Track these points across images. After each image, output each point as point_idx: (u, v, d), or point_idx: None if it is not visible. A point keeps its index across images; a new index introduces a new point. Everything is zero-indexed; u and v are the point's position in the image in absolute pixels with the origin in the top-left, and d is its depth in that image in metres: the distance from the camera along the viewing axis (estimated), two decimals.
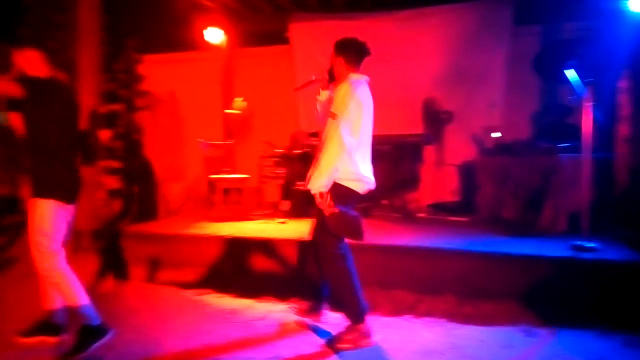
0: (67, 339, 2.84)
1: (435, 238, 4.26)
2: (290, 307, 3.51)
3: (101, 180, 5.53)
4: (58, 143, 2.75)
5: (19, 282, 4.15)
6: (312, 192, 2.77)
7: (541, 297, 3.47)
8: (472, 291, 3.60)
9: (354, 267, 2.89)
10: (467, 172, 5.95)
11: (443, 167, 6.46)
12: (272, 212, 5.88)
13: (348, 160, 2.76)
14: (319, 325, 3.21)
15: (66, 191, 2.77)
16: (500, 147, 5.28)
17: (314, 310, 3.32)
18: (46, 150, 2.72)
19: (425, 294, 3.63)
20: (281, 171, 6.54)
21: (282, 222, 5.20)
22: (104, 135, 5.90)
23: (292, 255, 4.16)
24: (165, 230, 4.78)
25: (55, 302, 2.86)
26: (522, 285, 3.55)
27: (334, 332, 3.00)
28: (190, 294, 3.90)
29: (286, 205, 5.85)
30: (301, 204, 5.78)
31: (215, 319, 3.35)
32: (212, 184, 5.76)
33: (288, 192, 5.93)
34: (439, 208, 6.06)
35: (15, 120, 2.70)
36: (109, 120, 6.09)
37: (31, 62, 2.75)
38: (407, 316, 3.39)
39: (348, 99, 2.74)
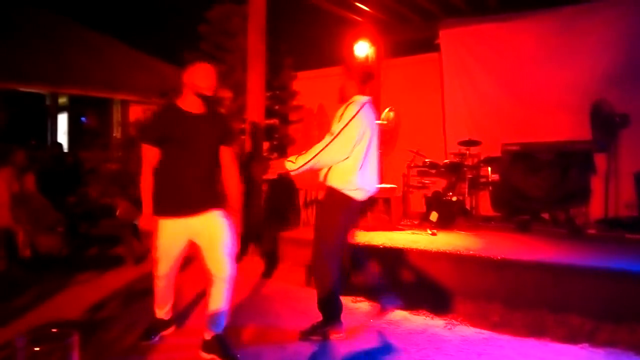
0: None
1: (613, 258, 3.78)
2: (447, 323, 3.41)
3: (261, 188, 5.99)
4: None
5: (197, 277, 4.68)
6: (290, 171, 3.05)
7: None
8: None
9: None
10: None
11: (617, 177, 5.72)
12: (419, 222, 5.80)
13: (351, 172, 3.02)
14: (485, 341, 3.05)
15: None
16: None
17: None
18: (217, 164, 2.92)
19: (605, 320, 3.22)
20: (427, 181, 6.44)
21: (433, 234, 5.08)
22: (264, 147, 6.41)
23: (445, 269, 4.02)
24: None
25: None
26: None
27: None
28: (345, 300, 3.99)
29: (435, 216, 5.70)
30: (450, 215, 5.61)
31: (372, 327, 3.39)
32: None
33: (437, 202, 5.78)
34: (613, 224, 5.37)
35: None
36: (267, 134, 6.60)
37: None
38: (584, 344, 3.04)
39: (349, 119, 2.98)
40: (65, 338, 0.86)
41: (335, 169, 3.05)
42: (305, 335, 3.13)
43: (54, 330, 0.87)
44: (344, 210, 3.08)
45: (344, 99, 3.16)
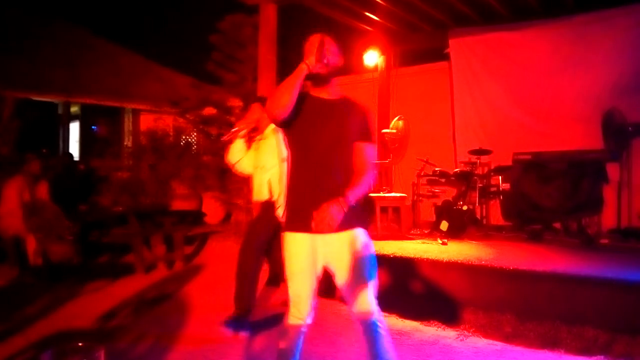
0: None
1: (628, 268, 3.73)
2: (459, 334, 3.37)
3: None
4: None
5: (207, 287, 4.69)
6: None
7: None
8: None
9: None
10: None
11: (629, 186, 5.66)
12: (430, 231, 5.76)
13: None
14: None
15: None
16: None
17: None
18: None
19: (620, 332, 3.16)
20: (437, 190, 6.41)
21: (444, 243, 5.05)
22: None
23: (457, 280, 3.99)
24: None
25: None
26: None
27: None
28: None
29: (445, 225, 5.67)
30: (461, 224, 5.57)
31: None
32: (370, 202, 5.85)
33: (447, 211, 5.75)
34: (626, 234, 5.30)
35: None
36: None
37: None
38: (599, 357, 3.00)
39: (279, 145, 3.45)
40: (92, 352, 0.86)
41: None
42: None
43: (80, 344, 0.87)
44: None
45: (261, 129, 3.63)
